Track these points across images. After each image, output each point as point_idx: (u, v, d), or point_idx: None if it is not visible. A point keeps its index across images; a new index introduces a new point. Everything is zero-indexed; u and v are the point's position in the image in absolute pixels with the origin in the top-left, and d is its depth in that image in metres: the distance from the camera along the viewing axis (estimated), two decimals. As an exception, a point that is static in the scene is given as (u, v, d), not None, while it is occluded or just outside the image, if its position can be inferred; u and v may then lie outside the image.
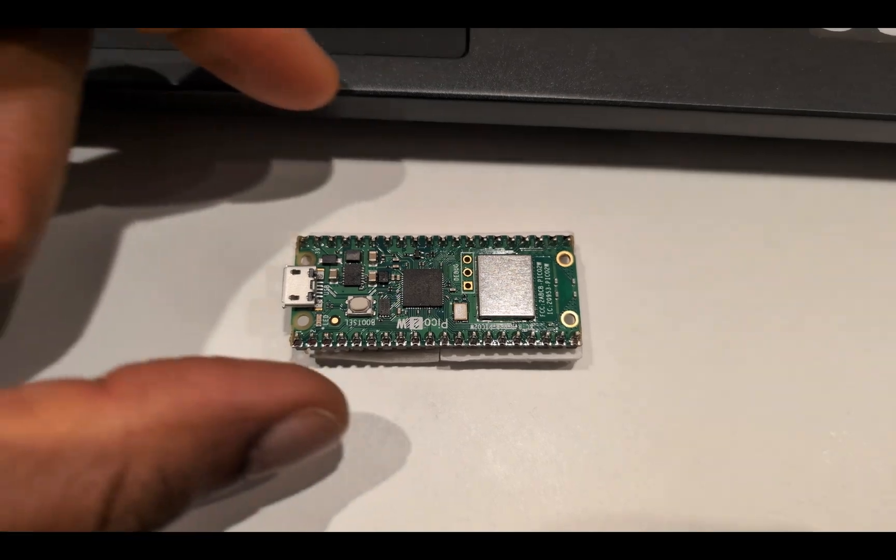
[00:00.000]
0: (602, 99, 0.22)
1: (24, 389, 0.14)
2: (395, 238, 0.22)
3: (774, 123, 0.22)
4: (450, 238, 0.22)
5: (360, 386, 0.22)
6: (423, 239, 0.22)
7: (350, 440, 0.21)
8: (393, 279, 0.21)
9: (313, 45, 0.19)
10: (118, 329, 0.22)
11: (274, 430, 0.16)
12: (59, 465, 0.13)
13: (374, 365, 0.22)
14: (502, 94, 0.22)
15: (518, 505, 0.21)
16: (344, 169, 0.24)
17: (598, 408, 0.22)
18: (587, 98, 0.22)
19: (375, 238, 0.22)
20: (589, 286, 0.23)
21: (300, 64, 0.19)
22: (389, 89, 0.21)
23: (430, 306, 0.21)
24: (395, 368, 0.22)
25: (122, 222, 0.23)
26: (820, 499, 0.21)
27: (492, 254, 0.22)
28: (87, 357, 0.22)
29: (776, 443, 0.21)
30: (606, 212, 0.23)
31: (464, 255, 0.22)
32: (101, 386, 0.14)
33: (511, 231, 0.22)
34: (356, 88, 0.21)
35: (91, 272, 0.22)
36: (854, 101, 0.22)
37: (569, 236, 0.22)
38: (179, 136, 0.23)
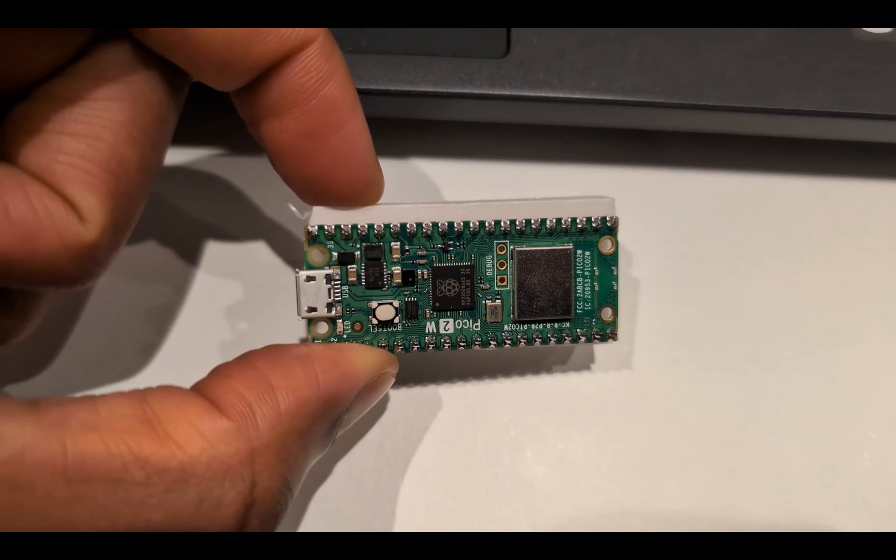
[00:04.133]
0: (643, 99, 0.21)
1: (150, 400, 0.15)
2: (420, 227, 0.19)
3: (816, 125, 0.22)
4: (482, 224, 0.19)
5: (398, 386, 0.22)
6: (451, 227, 0.19)
7: (389, 440, 0.21)
8: (420, 276, 0.19)
9: (369, 140, 0.18)
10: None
11: (352, 404, 0.18)
12: (190, 484, 0.14)
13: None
14: (543, 94, 0.21)
15: (558, 505, 0.21)
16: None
17: (638, 409, 0.22)
18: (628, 98, 0.21)
19: (398, 228, 0.19)
20: (628, 287, 0.23)
21: (349, 145, 0.18)
22: (430, 89, 0.21)
23: (462, 309, 0.20)
24: (434, 370, 0.22)
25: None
26: (861, 501, 0.21)
27: (529, 246, 0.20)
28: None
29: (816, 444, 0.21)
30: (646, 212, 0.23)
31: (498, 244, 0.20)
32: (213, 403, 0.15)
33: (547, 206, 0.20)
34: (397, 88, 0.21)
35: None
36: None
37: (612, 219, 0.20)
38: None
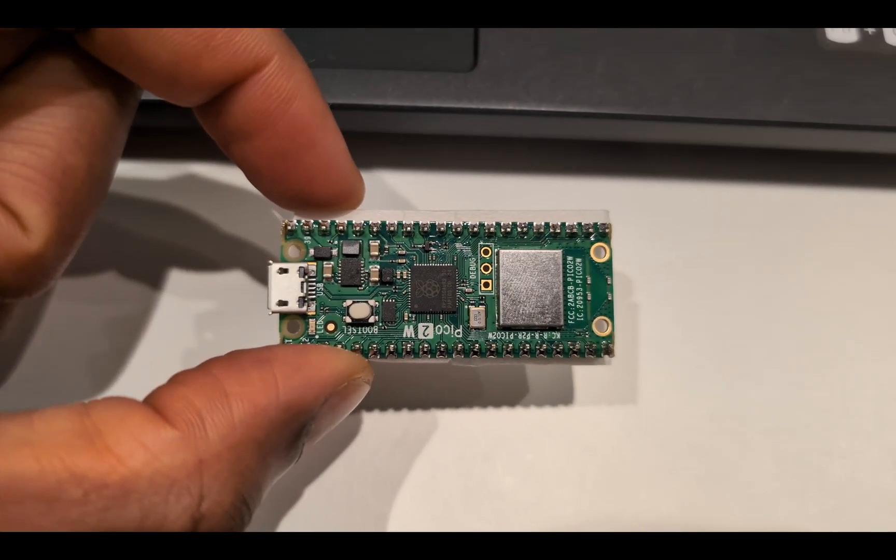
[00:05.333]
0: (610, 111, 0.22)
1: (91, 413, 0.14)
2: (401, 225, 0.18)
3: (783, 135, 0.22)
4: (465, 226, 0.18)
5: (367, 397, 0.21)
6: (433, 227, 0.18)
7: (359, 451, 0.21)
8: (399, 277, 0.18)
9: (345, 150, 0.18)
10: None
11: (319, 412, 0.16)
12: (132, 499, 0.13)
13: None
14: (510, 107, 0.22)
15: (528, 516, 0.21)
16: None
17: (608, 418, 0.22)
18: (595, 110, 0.22)
19: (377, 225, 0.18)
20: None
21: (325, 161, 0.17)
22: (398, 103, 0.21)
23: (442, 312, 0.18)
24: (403, 379, 0.22)
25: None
26: (830, 510, 0.21)
27: (515, 249, 0.18)
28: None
29: (787, 454, 0.21)
30: (616, 222, 0.23)
31: (482, 246, 0.18)
32: (159, 413, 0.14)
33: (537, 215, 0.19)
34: (365, 102, 0.21)
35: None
36: (862, 112, 0.22)
37: (605, 225, 0.19)
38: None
